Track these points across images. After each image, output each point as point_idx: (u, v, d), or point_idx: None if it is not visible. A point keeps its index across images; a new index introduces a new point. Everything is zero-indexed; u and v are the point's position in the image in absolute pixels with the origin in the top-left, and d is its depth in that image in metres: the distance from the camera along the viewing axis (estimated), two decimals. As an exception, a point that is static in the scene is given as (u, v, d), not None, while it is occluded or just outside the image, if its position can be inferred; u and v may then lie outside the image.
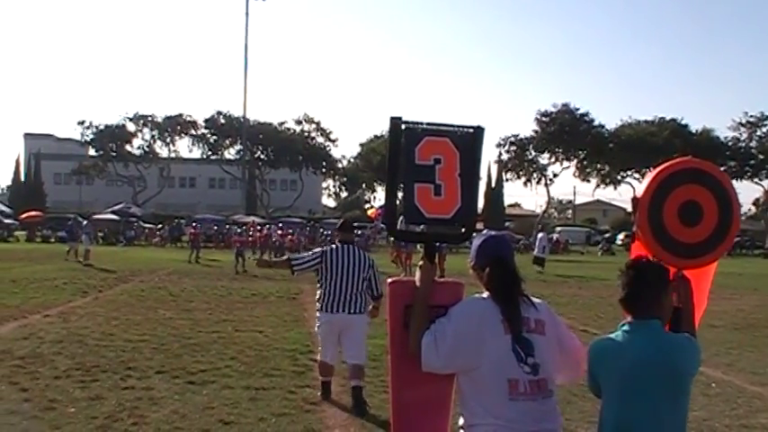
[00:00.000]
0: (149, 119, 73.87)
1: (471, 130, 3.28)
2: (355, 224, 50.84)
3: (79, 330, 11.30)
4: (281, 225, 45.13)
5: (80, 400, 7.15)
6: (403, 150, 3.19)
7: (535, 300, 3.15)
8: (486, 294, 3.09)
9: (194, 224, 38.84)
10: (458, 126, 3.27)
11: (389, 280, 3.28)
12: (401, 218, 3.29)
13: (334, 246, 7.86)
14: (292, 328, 12.16)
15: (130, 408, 6.91)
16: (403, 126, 3.19)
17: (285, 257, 8.97)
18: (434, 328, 3.04)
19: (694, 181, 3.31)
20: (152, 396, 7.37)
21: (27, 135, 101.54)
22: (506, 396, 2.92)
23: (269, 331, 11.82)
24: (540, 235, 32.70)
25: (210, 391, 7.66)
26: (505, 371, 2.94)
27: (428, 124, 3.23)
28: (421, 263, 3.22)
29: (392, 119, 3.19)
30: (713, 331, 12.66)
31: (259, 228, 39.49)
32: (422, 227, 3.26)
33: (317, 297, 7.78)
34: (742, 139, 70.62)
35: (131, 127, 74.40)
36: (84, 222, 33.05)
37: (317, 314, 7.83)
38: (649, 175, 3.39)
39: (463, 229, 3.29)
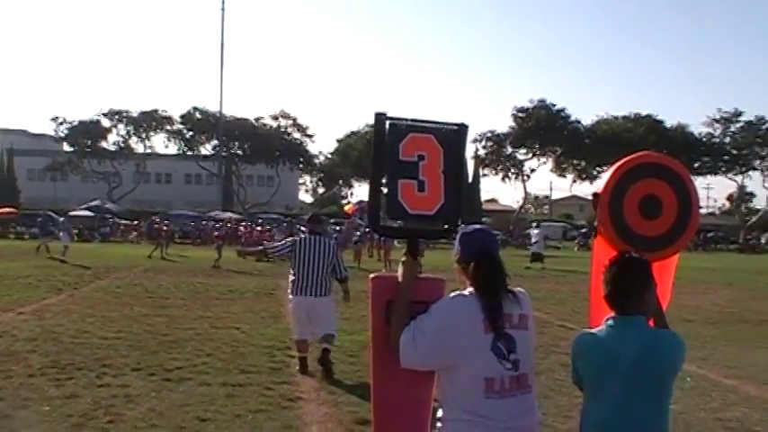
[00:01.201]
0: (124, 114, 73.16)
1: (456, 128, 3.26)
2: (332, 220, 50.97)
3: (54, 328, 11.15)
4: (259, 221, 44.90)
5: (55, 398, 7.05)
6: (387, 146, 3.16)
7: (518, 290, 3.11)
8: (468, 291, 3.05)
9: (166, 220, 38.59)
10: (442, 123, 3.25)
11: (372, 275, 3.25)
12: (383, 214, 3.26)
13: (303, 236, 9.20)
14: (269, 325, 12.11)
15: (106, 406, 6.82)
16: (387, 122, 3.16)
17: (261, 247, 9.85)
18: (414, 324, 3.01)
19: (654, 175, 3.33)
20: (128, 393, 7.28)
21: (0, 130, 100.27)
22: (482, 394, 2.90)
23: (246, 328, 11.75)
24: (535, 231, 32.47)
25: (187, 389, 7.59)
26: (483, 370, 2.92)
27: (413, 120, 3.20)
28: (403, 258, 3.19)
29: (377, 114, 3.16)
30: (687, 326, 12.76)
31: (243, 225, 39.36)
32: (403, 222, 3.23)
33: (290, 281, 8.88)
34: (716, 134, 71.46)
35: (106, 122, 73.64)
36: (62, 219, 32.70)
37: (289, 296, 8.94)
38: (609, 171, 3.40)
39: (446, 226, 3.27)
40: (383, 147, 3.17)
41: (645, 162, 3.36)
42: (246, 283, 19.33)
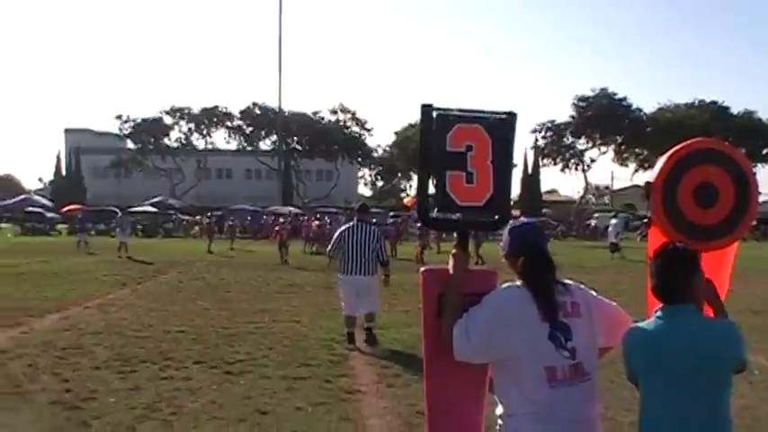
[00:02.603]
0: (185, 111, 74.48)
1: (504, 116, 3.22)
2: (391, 213, 51.19)
3: (118, 322, 11.45)
4: (317, 215, 45.20)
5: (119, 390, 7.23)
6: (434, 138, 3.15)
7: (566, 281, 3.08)
8: (519, 282, 3.03)
9: (231, 218, 39.48)
10: (490, 112, 3.22)
11: (422, 268, 3.24)
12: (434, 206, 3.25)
13: (351, 224, 10.35)
14: (329, 318, 12.17)
15: (169, 398, 6.98)
16: (434, 113, 3.15)
17: (327, 251, 11.16)
18: (467, 316, 2.98)
19: (708, 161, 3.23)
20: (190, 386, 7.43)
21: (67, 130, 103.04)
22: (546, 384, 2.86)
23: (306, 321, 11.86)
24: (613, 221, 32.59)
25: (248, 381, 7.70)
26: (543, 359, 2.89)
27: (459, 111, 3.18)
28: (454, 251, 3.18)
29: (423, 106, 3.15)
30: (755, 317, 12.42)
31: (316, 220, 39.68)
32: (455, 215, 3.21)
33: (339, 262, 10.09)
34: (785, 120, 69.22)
35: (168, 120, 75.08)
36: (118, 215, 33.44)
37: (338, 275, 10.16)
38: (662, 159, 3.31)
39: (496, 217, 3.24)
40: (430, 138, 3.15)
41: (699, 148, 3.28)
42: (307, 277, 19.49)
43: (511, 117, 3.23)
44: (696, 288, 2.93)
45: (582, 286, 3.18)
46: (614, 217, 33.31)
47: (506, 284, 3.08)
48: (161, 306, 13.36)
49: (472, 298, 3.05)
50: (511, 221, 3.19)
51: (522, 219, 3.23)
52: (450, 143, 3.13)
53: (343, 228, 10.67)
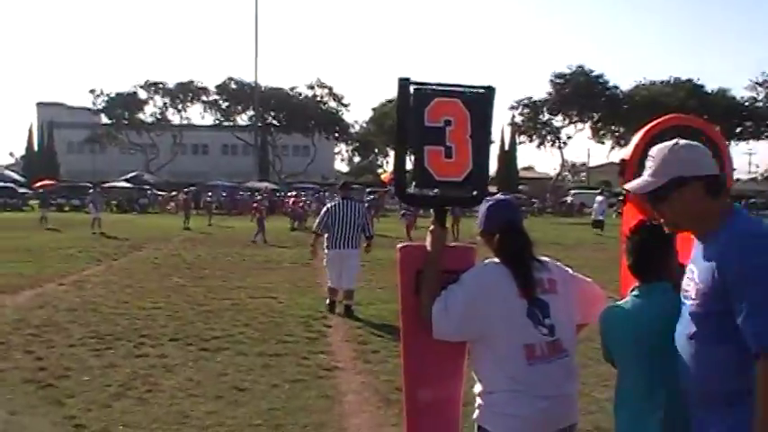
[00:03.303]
0: (160, 86, 73.70)
1: (482, 91, 3.18)
2: (368, 189, 51.34)
3: (93, 299, 11.33)
4: (294, 193, 45.01)
5: (94, 368, 7.16)
6: (412, 112, 3.10)
7: (543, 258, 3.07)
8: (497, 259, 3.01)
9: (186, 192, 39.38)
10: (468, 86, 3.17)
11: (400, 245, 3.20)
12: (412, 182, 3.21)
13: (336, 201, 10.87)
14: (306, 294, 12.16)
15: (144, 375, 6.92)
16: (412, 87, 3.09)
17: (313, 230, 11.41)
18: (446, 294, 2.96)
19: (683, 137, 3.22)
20: (166, 364, 7.38)
21: (39, 104, 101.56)
22: (525, 361, 2.85)
23: (283, 297, 11.82)
24: (598, 198, 33.35)
25: (224, 358, 7.66)
26: (521, 336, 2.87)
27: (438, 85, 3.13)
28: (431, 227, 3.14)
29: (400, 80, 3.09)
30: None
31: (293, 196, 39.48)
32: (433, 190, 3.18)
33: (326, 238, 10.61)
34: (759, 98, 69.75)
35: (143, 94, 74.35)
36: (90, 191, 33.00)
37: (326, 251, 10.66)
38: (636, 135, 3.30)
39: (474, 193, 3.21)
40: (408, 113, 3.11)
41: (674, 125, 3.27)
42: (284, 253, 19.44)
43: (489, 91, 3.18)
44: (672, 266, 2.92)
45: (558, 263, 3.17)
46: (600, 194, 33.63)
47: (485, 261, 3.06)
48: (136, 283, 13.25)
49: (450, 275, 3.02)
50: (487, 198, 3.16)
51: (499, 195, 3.20)
52: (428, 118, 3.08)
53: (329, 205, 11.24)
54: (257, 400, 6.22)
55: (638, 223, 2.98)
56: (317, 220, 11.06)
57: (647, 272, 2.88)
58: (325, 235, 10.69)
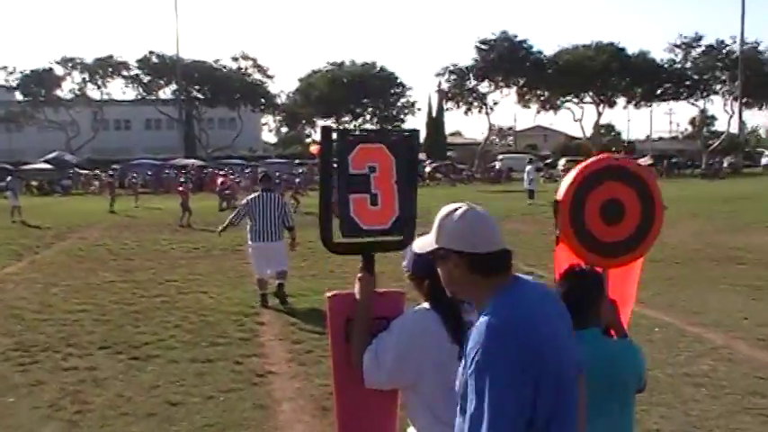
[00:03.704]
0: (78, 61, 71.22)
1: (407, 134, 3.14)
2: (297, 161, 51.19)
3: (17, 302, 11.00)
4: (223, 170, 44.29)
5: (20, 386, 6.95)
6: (336, 160, 3.04)
7: None
8: (427, 305, 2.99)
9: (110, 173, 38.55)
10: (392, 130, 3.14)
11: (328, 294, 3.16)
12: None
13: (256, 194, 10.86)
14: (237, 286, 12.03)
15: (73, 392, 6.75)
16: (334, 134, 3.04)
17: (228, 220, 11.46)
18: (376, 342, 2.93)
19: (615, 179, 3.25)
20: (95, 377, 7.20)
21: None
22: (456, 403, 2.85)
23: (214, 291, 11.67)
24: (527, 168, 33.65)
25: (156, 367, 7.52)
26: (452, 380, 2.87)
27: (361, 131, 3.08)
28: (359, 275, 3.10)
29: (323, 128, 3.04)
30: (655, 267, 12.86)
31: (222, 175, 38.74)
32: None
33: (248, 230, 10.76)
34: (678, 60, 71.44)
35: (59, 70, 71.66)
36: (8, 178, 31.81)
37: (249, 242, 10.85)
38: (568, 177, 3.31)
39: (401, 238, 3.18)
40: (330, 161, 3.05)
41: (606, 166, 3.29)
42: (213, 239, 19.06)
43: (414, 134, 3.15)
44: (601, 311, 2.96)
45: None
46: (529, 163, 34.11)
47: (415, 308, 3.03)
48: (61, 280, 12.90)
49: (381, 322, 2.99)
50: (414, 243, 3.13)
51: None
52: (352, 165, 3.02)
53: (249, 197, 11.08)
54: (192, 416, 6.14)
55: (568, 270, 3.00)
56: (235, 212, 11.45)
57: (578, 320, 2.90)
58: (247, 227, 10.86)
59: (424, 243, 2.46)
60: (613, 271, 3.28)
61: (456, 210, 2.36)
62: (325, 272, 13.21)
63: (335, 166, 3.03)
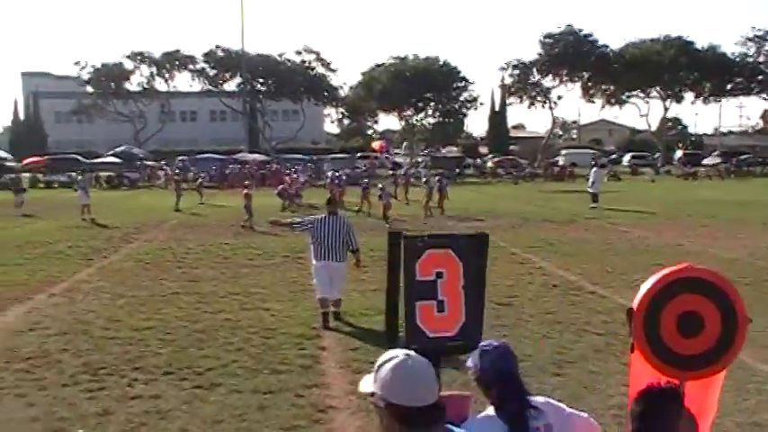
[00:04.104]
0: (146, 56, 72.85)
1: (475, 238, 3.09)
2: (359, 155, 51.88)
3: (85, 316, 11.24)
4: (288, 172, 44.65)
5: (88, 416, 7.09)
6: (403, 267, 3.01)
7: (538, 400, 3.03)
8: (492, 411, 2.96)
9: (176, 171, 39.28)
10: (461, 235, 3.08)
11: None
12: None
13: (323, 216, 11.18)
14: (299, 303, 12.07)
15: (139, 424, 6.87)
16: (402, 241, 3.00)
17: (289, 221, 12.36)
18: None
19: (695, 291, 3.12)
20: (159, 408, 7.30)
21: (25, 74, 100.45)
22: None
23: (276, 308, 11.73)
24: (593, 170, 32.51)
25: (219, 398, 7.60)
26: None
27: (429, 237, 3.04)
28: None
29: (391, 234, 3.00)
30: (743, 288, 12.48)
31: (284, 173, 39.10)
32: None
33: (312, 249, 11.10)
34: (750, 54, 69.47)
35: (129, 64, 73.53)
36: (79, 177, 32.64)
37: (312, 261, 11.10)
38: (645, 286, 3.20)
39: (468, 343, 3.13)
40: (397, 267, 3.02)
41: (684, 277, 3.17)
42: (274, 244, 19.30)
43: (482, 238, 3.10)
44: (679, 430, 2.87)
45: (552, 401, 3.13)
46: (593, 165, 33.31)
47: (480, 415, 3.00)
48: (128, 290, 13.15)
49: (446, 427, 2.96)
50: (482, 344, 3.08)
51: (493, 342, 3.12)
52: (419, 272, 3.00)
53: (315, 218, 11.37)
54: (253, 457, 6.19)
55: (646, 390, 2.90)
56: (302, 223, 11.58)
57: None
58: (311, 245, 11.16)
59: (366, 381, 2.45)
60: (691, 382, 3.17)
61: (393, 359, 2.37)
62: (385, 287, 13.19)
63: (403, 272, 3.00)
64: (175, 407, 7.36)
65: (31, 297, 12.72)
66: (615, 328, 10.12)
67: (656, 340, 3.11)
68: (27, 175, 48.85)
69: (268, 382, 8.13)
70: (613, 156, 76.59)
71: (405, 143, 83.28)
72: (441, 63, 73.79)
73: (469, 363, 3.06)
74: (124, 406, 7.39)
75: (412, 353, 2.41)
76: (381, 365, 2.38)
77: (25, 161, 51.40)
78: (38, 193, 42.76)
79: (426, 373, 2.37)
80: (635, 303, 3.20)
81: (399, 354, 2.39)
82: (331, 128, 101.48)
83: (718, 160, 64.34)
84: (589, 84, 71.43)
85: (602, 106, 75.68)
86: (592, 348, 9.31)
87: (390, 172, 45.72)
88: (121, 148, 62.53)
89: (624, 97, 73.45)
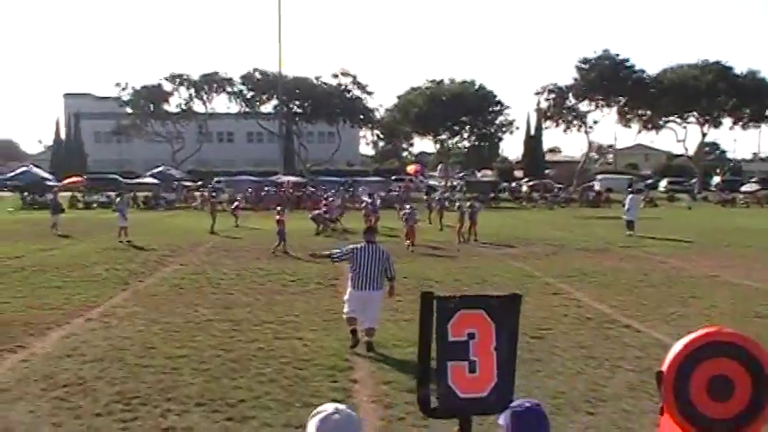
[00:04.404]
0: (185, 78, 74.05)
1: (508, 299, 3.09)
2: (393, 177, 52.44)
3: (120, 343, 11.36)
4: (322, 193, 44.91)
5: (121, 449, 7.18)
6: (435, 327, 3.02)
7: None
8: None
9: (213, 194, 39.91)
10: (493, 295, 3.09)
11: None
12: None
13: (361, 245, 11.29)
14: (331, 332, 12.08)
15: (170, 458, 6.93)
16: (435, 302, 3.01)
17: (327, 253, 12.30)
18: None
19: (725, 355, 3.08)
20: (192, 442, 7.37)
21: (67, 95, 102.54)
22: None
23: (309, 337, 11.76)
24: (630, 197, 31.98)
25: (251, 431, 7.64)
26: None
27: (461, 297, 3.05)
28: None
29: (423, 294, 3.02)
30: (760, 324, 12.32)
31: (319, 197, 39.38)
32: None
33: (350, 277, 11.24)
34: (790, 80, 68.62)
35: (168, 86, 74.79)
36: (117, 200, 33.24)
37: (349, 289, 11.26)
38: (674, 348, 3.16)
39: (499, 403, 3.12)
40: (430, 328, 3.03)
41: (714, 341, 3.13)
42: (308, 269, 19.37)
43: (515, 299, 3.10)
44: None
45: None
46: (631, 192, 32.89)
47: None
48: (162, 316, 13.29)
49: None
50: (513, 406, 3.07)
51: (525, 403, 3.11)
52: (451, 332, 3.01)
53: (353, 246, 11.52)
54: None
55: None
56: (339, 253, 11.73)
57: None
58: (349, 273, 11.33)
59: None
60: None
61: (321, 412, 2.51)
62: (416, 316, 13.19)
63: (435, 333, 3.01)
64: (207, 441, 7.41)
65: (69, 321, 12.90)
66: (649, 363, 10.02)
67: (685, 404, 3.07)
68: (66, 194, 49.66)
69: (300, 416, 8.10)
70: (650, 181, 75.93)
71: (440, 166, 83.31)
72: (476, 87, 73.91)
73: (501, 421, 3.04)
74: (156, 438, 7.45)
75: (342, 407, 2.53)
76: (312, 417, 2.49)
77: (65, 181, 52.26)
78: (77, 213, 43.47)
79: (351, 429, 2.41)
80: (664, 366, 3.17)
81: (329, 408, 2.52)
82: (366, 149, 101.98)
83: (756, 187, 63.47)
84: (625, 109, 71.04)
85: (639, 131, 75.26)
86: (625, 386, 9.19)
87: (425, 197, 45.68)
88: (159, 168, 63.50)
89: (661, 122, 72.89)
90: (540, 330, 12.08)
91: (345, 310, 11.33)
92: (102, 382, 9.34)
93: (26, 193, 51.62)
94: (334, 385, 9.30)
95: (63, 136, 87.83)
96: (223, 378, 9.54)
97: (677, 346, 3.14)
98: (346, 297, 11.41)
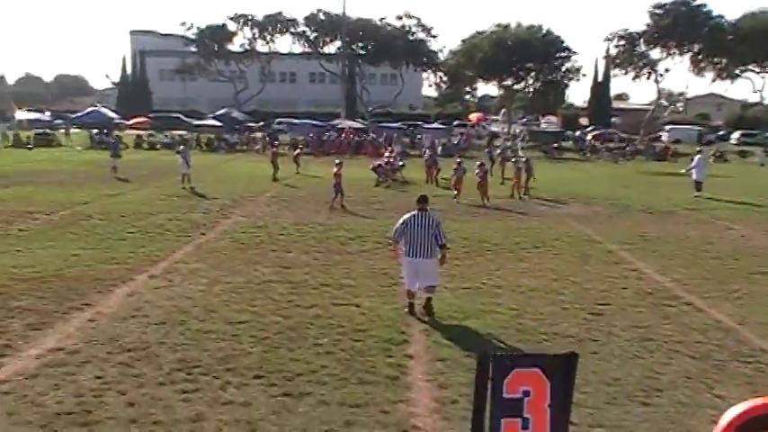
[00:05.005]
0: (249, 18, 74.11)
1: (565, 357, 3.06)
2: (456, 122, 52.29)
3: (182, 304, 11.61)
4: (381, 139, 44.84)
5: (181, 421, 7.39)
6: (491, 384, 3.01)
7: None
8: None
9: (275, 143, 40.32)
10: (550, 355, 3.06)
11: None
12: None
13: (413, 213, 11.49)
14: (388, 300, 12.15)
15: (229, 434, 7.13)
16: (491, 360, 3.00)
17: (390, 243, 12.36)
18: None
19: None
20: (250, 417, 7.52)
21: (132, 32, 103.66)
22: None
23: (366, 305, 11.83)
24: (696, 157, 30.93)
25: (307, 409, 7.75)
26: None
27: (518, 356, 3.03)
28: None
29: (481, 353, 3.01)
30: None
31: (385, 150, 39.35)
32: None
33: (403, 245, 11.47)
34: None
35: (232, 26, 75.15)
36: (180, 147, 33.77)
37: (403, 255, 11.52)
38: (727, 416, 3.09)
39: (553, 459, 3.12)
40: (485, 386, 3.02)
41: (762, 414, 3.05)
42: (367, 226, 19.47)
43: (572, 358, 3.06)
44: None
45: None
46: (699, 153, 31.89)
47: None
48: (223, 275, 13.53)
49: None
50: None
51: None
52: (506, 389, 3.00)
53: (406, 216, 11.61)
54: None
55: None
56: (394, 229, 11.74)
57: None
58: (402, 241, 11.53)
59: None
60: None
61: None
62: (477, 284, 13.23)
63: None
64: (264, 416, 7.57)
65: (133, 278, 13.25)
66: (709, 350, 9.90)
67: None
68: (132, 133, 50.66)
69: (355, 394, 8.23)
70: (721, 132, 73.76)
71: (503, 110, 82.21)
72: (544, 32, 72.23)
73: None
74: (216, 412, 7.64)
75: None
76: None
77: (130, 121, 53.24)
78: (142, 154, 44.32)
79: None
80: None
81: None
82: (429, 91, 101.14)
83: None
84: (699, 57, 68.55)
85: (713, 80, 72.70)
86: (683, 374, 9.06)
87: (486, 148, 45.14)
88: (222, 110, 64.05)
89: (738, 71, 70.37)
90: (598, 306, 11.98)
91: (405, 280, 11.68)
92: (165, 347, 9.59)
93: (95, 131, 52.76)
94: (390, 360, 9.37)
95: (129, 72, 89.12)
96: (281, 348, 9.71)
97: (731, 414, 3.07)
98: (402, 265, 11.74)
